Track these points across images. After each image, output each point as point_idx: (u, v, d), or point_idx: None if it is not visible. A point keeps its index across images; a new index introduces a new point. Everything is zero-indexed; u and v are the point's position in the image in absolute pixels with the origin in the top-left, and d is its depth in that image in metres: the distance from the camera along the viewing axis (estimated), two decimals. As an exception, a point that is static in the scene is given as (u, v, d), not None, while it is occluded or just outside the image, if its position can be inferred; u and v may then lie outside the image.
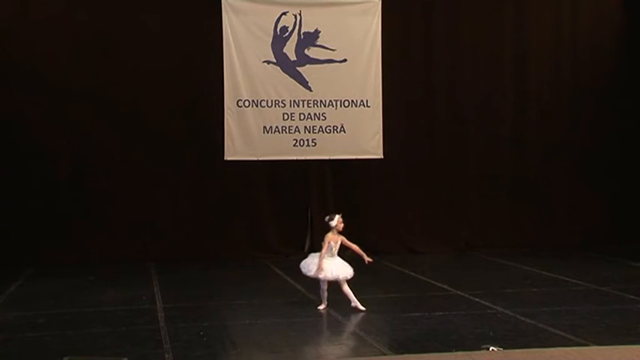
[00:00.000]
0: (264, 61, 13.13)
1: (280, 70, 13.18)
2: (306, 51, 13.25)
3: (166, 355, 7.10)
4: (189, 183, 13.01)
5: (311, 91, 13.26)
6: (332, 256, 8.79)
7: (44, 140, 12.47)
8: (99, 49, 12.59)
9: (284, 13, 13.14)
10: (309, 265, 8.91)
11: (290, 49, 13.19)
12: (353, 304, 8.80)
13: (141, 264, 12.23)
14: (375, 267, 8.93)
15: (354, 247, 8.86)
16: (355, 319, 8.45)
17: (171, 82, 12.83)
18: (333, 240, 8.78)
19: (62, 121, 12.55)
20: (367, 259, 8.82)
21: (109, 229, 12.64)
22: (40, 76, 12.39)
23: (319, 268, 8.73)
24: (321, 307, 8.96)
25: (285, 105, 13.21)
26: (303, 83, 13.25)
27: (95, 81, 12.58)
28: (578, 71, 14.15)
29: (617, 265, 11.98)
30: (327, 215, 9.01)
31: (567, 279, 10.72)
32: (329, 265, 8.75)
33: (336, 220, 8.80)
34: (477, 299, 9.37)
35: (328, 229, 8.73)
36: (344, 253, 8.96)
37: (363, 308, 8.77)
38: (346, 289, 8.85)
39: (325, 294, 8.96)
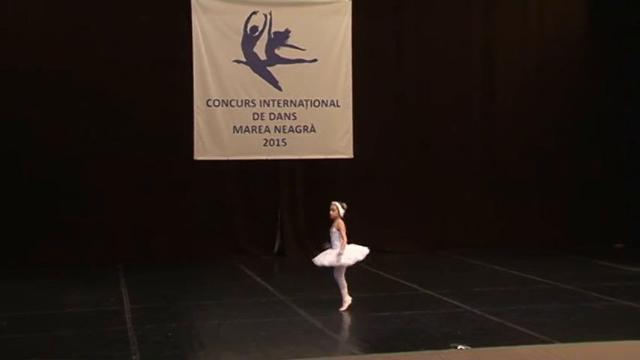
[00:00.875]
0: (234, 61, 13.08)
1: (250, 70, 13.14)
2: (276, 50, 13.22)
3: (133, 357, 7.04)
4: (158, 183, 12.90)
5: (281, 90, 13.24)
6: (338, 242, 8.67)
7: (13, 138, 12.30)
8: (73, 48, 12.48)
9: (254, 13, 13.10)
10: (325, 255, 8.75)
11: (260, 49, 13.16)
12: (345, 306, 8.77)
13: (109, 265, 12.10)
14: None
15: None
16: (324, 319, 8.43)
17: (141, 80, 12.73)
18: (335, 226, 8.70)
19: (32, 119, 12.39)
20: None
21: (75, 230, 12.49)
22: (15, 71, 12.25)
23: (340, 254, 8.57)
24: (344, 307, 8.75)
25: (255, 105, 13.17)
26: (273, 83, 13.22)
27: (68, 78, 12.45)
28: (545, 71, 14.26)
29: (584, 264, 12.12)
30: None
31: (535, 278, 10.81)
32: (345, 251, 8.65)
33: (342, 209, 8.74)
34: (446, 298, 9.42)
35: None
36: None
37: (345, 307, 8.76)
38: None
39: (345, 290, 8.76)
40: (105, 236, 12.59)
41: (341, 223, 8.69)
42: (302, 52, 13.26)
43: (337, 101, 13.43)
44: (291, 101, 13.28)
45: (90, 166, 12.62)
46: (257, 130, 13.17)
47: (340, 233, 8.67)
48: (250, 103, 13.16)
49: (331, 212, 8.74)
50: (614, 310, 8.70)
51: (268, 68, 13.22)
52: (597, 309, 8.79)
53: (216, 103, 13.04)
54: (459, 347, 7.03)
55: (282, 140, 13.24)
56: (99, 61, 12.59)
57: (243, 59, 13.11)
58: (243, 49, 13.11)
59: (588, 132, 14.27)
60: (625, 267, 11.70)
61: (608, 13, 14.27)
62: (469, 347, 7.04)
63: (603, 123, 14.29)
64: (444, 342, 7.28)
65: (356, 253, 8.81)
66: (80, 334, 7.91)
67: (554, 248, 13.44)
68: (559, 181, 14.25)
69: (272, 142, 13.21)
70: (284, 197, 13.48)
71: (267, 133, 13.20)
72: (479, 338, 7.48)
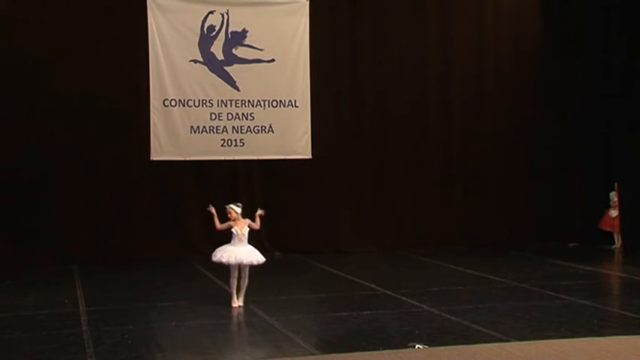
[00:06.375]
0: (191, 60, 12.99)
1: (207, 70, 13.07)
2: (233, 50, 13.17)
3: (89, 360, 6.95)
4: (115, 183, 12.75)
5: (239, 90, 13.19)
6: (240, 242, 8.90)
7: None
8: (28, 46, 12.26)
9: (211, 12, 13.03)
10: (217, 251, 8.98)
11: (217, 49, 13.10)
12: (235, 303, 8.91)
13: (63, 266, 11.92)
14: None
15: (255, 223, 9.04)
16: (283, 320, 8.42)
17: (97, 80, 12.55)
18: (238, 226, 8.91)
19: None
20: (259, 212, 9.07)
21: (29, 231, 12.27)
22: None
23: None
24: (234, 304, 8.96)
25: (212, 105, 13.10)
26: (231, 83, 13.17)
27: (22, 77, 12.24)
28: (501, 73, 14.43)
29: (538, 263, 12.30)
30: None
31: (491, 277, 10.95)
32: (233, 251, 8.85)
33: (227, 208, 8.99)
34: (404, 298, 9.48)
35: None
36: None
37: (240, 304, 8.94)
38: (243, 282, 8.92)
39: (234, 287, 8.95)
40: (59, 237, 12.38)
41: (248, 221, 8.98)
42: (260, 52, 13.23)
43: (295, 101, 13.42)
44: (249, 101, 13.24)
45: (43, 166, 12.41)
46: (215, 130, 13.10)
47: (253, 227, 9.01)
48: (208, 103, 13.08)
49: (234, 214, 8.96)
50: (569, 308, 8.85)
51: (226, 68, 13.16)
52: (552, 307, 8.93)
53: (173, 103, 12.94)
54: (417, 346, 7.08)
55: (240, 140, 13.20)
56: (53, 59, 12.39)
57: (200, 59, 13.03)
58: (200, 49, 13.03)
59: (543, 132, 14.49)
60: (579, 265, 11.92)
61: (562, 18, 14.51)
62: (427, 346, 7.10)
63: (559, 123, 14.53)
64: (402, 341, 7.33)
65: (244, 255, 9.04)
66: (34, 338, 7.76)
67: (510, 247, 13.62)
68: (515, 181, 14.43)
69: (230, 142, 13.16)
70: (242, 198, 13.34)
71: (225, 133, 13.15)
72: (437, 337, 7.54)
